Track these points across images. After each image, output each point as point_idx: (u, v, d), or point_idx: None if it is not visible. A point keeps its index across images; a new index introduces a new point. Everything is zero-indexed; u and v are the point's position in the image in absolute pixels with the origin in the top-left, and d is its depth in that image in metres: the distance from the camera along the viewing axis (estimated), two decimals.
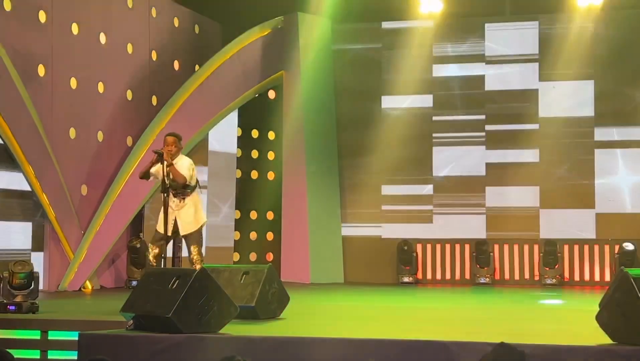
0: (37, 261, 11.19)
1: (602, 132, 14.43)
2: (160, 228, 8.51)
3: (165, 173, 8.35)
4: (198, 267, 8.26)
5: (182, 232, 8.55)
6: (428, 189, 15.06)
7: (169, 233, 8.41)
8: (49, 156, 11.61)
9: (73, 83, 12.29)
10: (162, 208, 8.41)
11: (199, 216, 8.66)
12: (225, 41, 14.96)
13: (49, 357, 6.93)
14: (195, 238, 8.58)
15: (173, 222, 8.49)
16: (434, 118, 15.18)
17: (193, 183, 8.63)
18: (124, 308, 6.64)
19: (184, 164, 8.55)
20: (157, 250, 8.50)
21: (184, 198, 8.57)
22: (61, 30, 12.10)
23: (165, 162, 8.34)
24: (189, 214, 8.59)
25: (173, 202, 8.47)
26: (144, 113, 13.57)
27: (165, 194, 8.32)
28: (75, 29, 12.33)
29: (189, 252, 8.58)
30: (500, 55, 15.03)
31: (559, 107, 14.67)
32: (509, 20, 15.07)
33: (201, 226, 8.65)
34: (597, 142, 14.45)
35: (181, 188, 8.53)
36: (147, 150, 12.86)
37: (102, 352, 6.04)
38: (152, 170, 8.62)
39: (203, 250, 8.85)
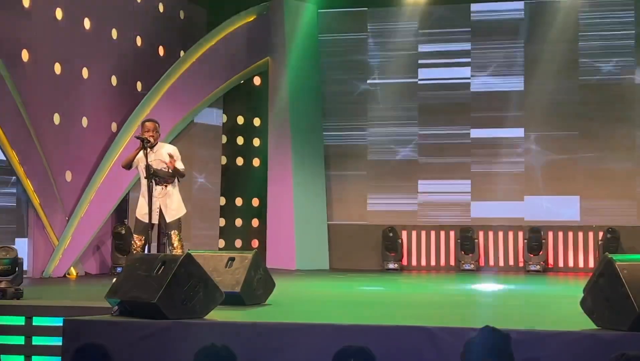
0: (21, 247, 11.15)
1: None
2: (141, 216, 8.52)
3: (149, 162, 8.34)
4: (179, 252, 8.39)
5: (168, 219, 8.58)
6: (414, 176, 15.09)
7: (154, 221, 8.42)
8: (32, 142, 11.54)
9: (57, 68, 12.22)
10: (145, 195, 8.44)
11: (181, 204, 8.75)
12: (210, 27, 14.91)
13: (34, 343, 6.90)
14: (176, 224, 8.64)
15: (158, 210, 8.50)
16: (420, 100, 15.17)
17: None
18: (109, 293, 6.62)
19: (167, 151, 8.56)
20: (142, 241, 8.53)
21: (166, 186, 8.60)
22: (45, 15, 12.01)
23: (147, 149, 8.34)
24: (173, 201, 8.64)
25: (156, 189, 8.46)
26: (128, 99, 13.51)
27: (152, 181, 8.33)
28: (59, 14, 12.24)
29: (169, 238, 8.59)
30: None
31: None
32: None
33: (182, 213, 8.73)
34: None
35: (165, 176, 8.55)
36: (131, 136, 12.83)
37: (87, 338, 6.02)
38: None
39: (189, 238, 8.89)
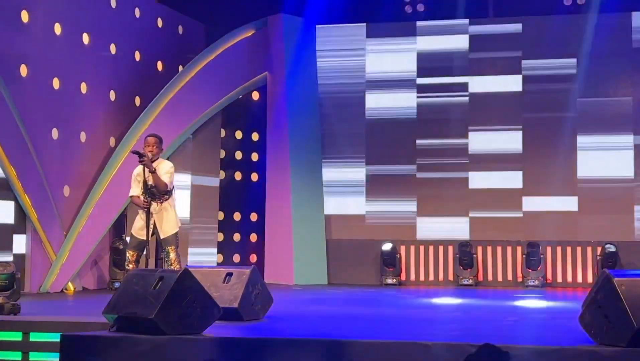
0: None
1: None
2: (136, 232, 8.52)
3: (146, 178, 8.35)
4: (176, 267, 8.37)
5: (162, 235, 8.55)
6: (412, 191, 15.09)
7: (144, 238, 8.40)
8: (31, 157, 11.54)
9: (56, 83, 12.23)
10: (142, 212, 8.46)
11: (177, 219, 8.71)
12: (208, 42, 14.95)
13: (31, 359, 6.88)
14: (173, 240, 8.60)
15: (153, 226, 8.48)
16: (418, 115, 15.19)
17: (170, 187, 8.62)
18: (107, 309, 6.60)
19: (164, 168, 8.56)
20: (134, 257, 8.49)
21: (161, 203, 8.57)
22: (44, 30, 12.04)
23: (146, 167, 8.33)
24: (168, 218, 8.60)
25: (152, 205, 8.45)
26: (127, 114, 13.52)
27: (149, 198, 8.36)
28: (57, 29, 12.27)
29: (166, 254, 8.57)
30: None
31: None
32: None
33: (179, 229, 8.70)
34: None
35: (159, 193, 8.51)
36: (129, 151, 12.83)
37: (85, 354, 6.01)
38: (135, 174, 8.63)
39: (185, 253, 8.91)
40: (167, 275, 6.46)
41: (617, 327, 5.55)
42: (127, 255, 8.56)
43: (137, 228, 8.53)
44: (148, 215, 8.33)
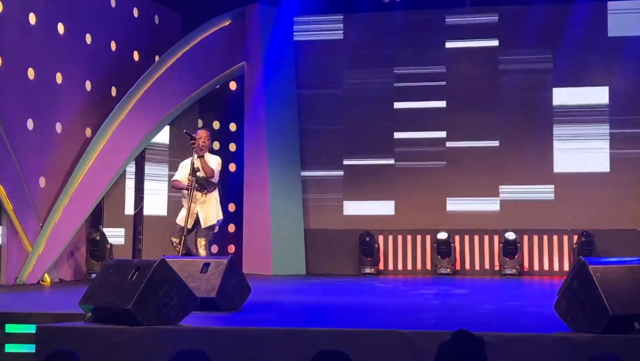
0: None
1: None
2: (179, 220, 9.33)
3: (194, 166, 9.15)
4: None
5: (203, 225, 9.23)
6: (389, 177, 15.11)
7: (189, 226, 9.12)
8: (6, 147, 11.44)
9: (31, 73, 12.13)
10: (186, 201, 9.23)
11: (217, 214, 9.41)
12: (185, 32, 14.86)
13: (7, 350, 6.84)
14: (206, 232, 9.31)
15: (195, 215, 9.18)
16: (396, 105, 15.21)
17: (216, 180, 9.37)
18: (83, 300, 6.58)
19: (213, 159, 9.43)
20: (178, 242, 9.12)
21: (206, 194, 9.28)
22: (18, 20, 11.92)
23: (195, 151, 9.22)
24: (210, 210, 9.32)
25: (195, 195, 9.16)
26: (103, 104, 13.42)
27: (197, 186, 9.14)
28: (32, 18, 12.15)
29: (196, 243, 9.27)
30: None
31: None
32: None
33: (216, 222, 9.41)
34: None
35: (206, 184, 9.22)
36: (106, 141, 12.77)
37: (61, 345, 5.97)
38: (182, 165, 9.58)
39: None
40: (144, 265, 6.44)
41: (592, 314, 5.60)
42: (173, 241, 9.23)
43: (180, 216, 9.35)
44: (191, 195, 9.05)
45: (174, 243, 9.19)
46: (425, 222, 14.90)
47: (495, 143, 14.84)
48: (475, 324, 6.41)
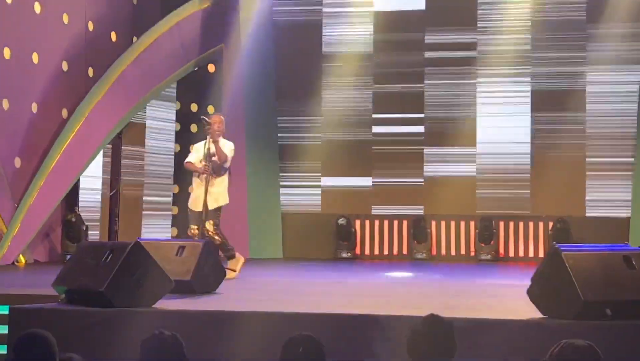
0: None
1: None
2: (193, 206, 9.42)
3: (210, 152, 9.27)
4: (215, 238, 9.24)
5: (210, 207, 9.30)
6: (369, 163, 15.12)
7: (201, 209, 9.27)
8: None
9: (6, 53, 12.00)
10: (197, 183, 9.43)
11: (225, 196, 9.51)
12: (163, 13, 14.73)
13: None
14: (214, 213, 9.37)
15: (204, 197, 9.30)
16: (375, 86, 15.20)
17: (228, 165, 9.53)
18: (56, 281, 6.55)
19: (227, 144, 9.53)
20: (197, 229, 9.29)
21: (216, 178, 9.41)
22: None
23: (209, 135, 9.32)
24: (219, 192, 9.43)
25: (205, 178, 9.31)
26: (79, 85, 13.32)
27: (210, 170, 9.28)
28: None
29: (205, 225, 9.32)
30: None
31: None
32: None
33: (222, 205, 9.50)
34: None
35: (218, 169, 9.36)
36: (82, 122, 12.68)
37: (34, 326, 5.94)
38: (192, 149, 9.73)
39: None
40: (118, 247, 6.42)
41: (564, 300, 5.64)
42: (191, 229, 9.39)
43: (193, 200, 9.44)
44: (207, 181, 9.22)
45: (192, 230, 9.35)
46: (402, 207, 14.90)
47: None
48: (447, 308, 6.44)
